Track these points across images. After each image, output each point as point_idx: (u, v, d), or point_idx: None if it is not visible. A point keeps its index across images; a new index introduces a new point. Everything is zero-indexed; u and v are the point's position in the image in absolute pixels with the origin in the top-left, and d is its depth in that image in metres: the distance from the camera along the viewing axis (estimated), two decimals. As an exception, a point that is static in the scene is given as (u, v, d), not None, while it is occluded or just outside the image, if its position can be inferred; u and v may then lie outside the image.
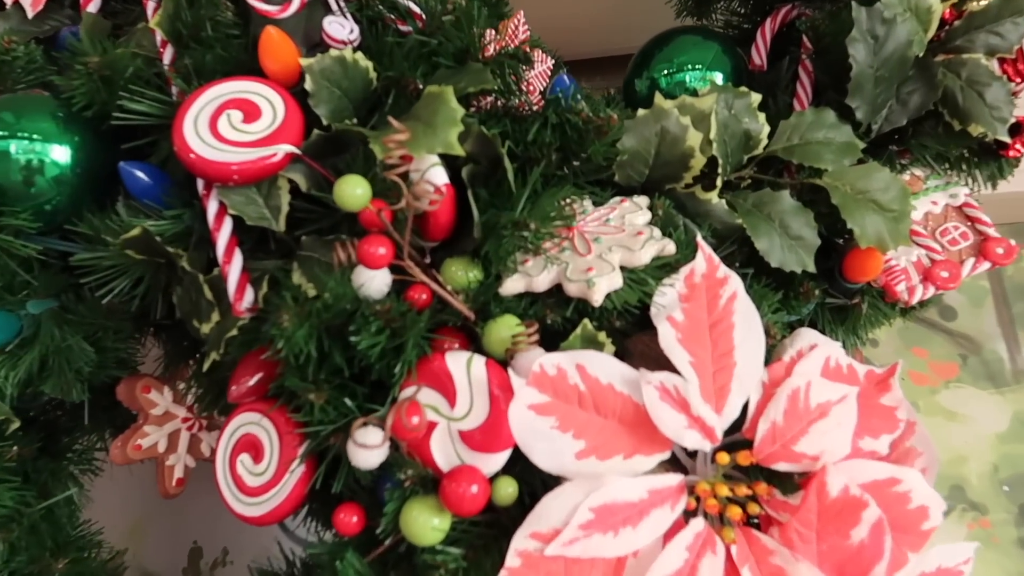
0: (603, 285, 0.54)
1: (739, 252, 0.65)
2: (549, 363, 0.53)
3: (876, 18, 0.64)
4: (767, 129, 0.65)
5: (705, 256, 0.58)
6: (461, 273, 0.56)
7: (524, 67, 0.64)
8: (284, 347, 0.51)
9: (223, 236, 0.59)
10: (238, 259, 0.59)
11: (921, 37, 0.68)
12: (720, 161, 0.61)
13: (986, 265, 0.72)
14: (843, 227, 0.66)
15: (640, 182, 0.64)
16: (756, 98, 0.64)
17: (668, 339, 0.55)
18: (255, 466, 0.59)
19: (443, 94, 0.55)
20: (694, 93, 0.71)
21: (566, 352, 0.53)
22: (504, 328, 0.55)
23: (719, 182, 0.62)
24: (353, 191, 0.50)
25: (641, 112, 0.60)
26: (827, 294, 0.71)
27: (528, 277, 0.57)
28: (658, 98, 0.60)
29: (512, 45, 0.71)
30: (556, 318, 0.57)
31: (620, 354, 0.60)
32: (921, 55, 0.68)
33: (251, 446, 0.60)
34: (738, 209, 0.64)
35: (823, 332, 0.72)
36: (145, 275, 0.64)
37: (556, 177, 0.63)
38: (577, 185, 0.63)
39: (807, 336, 0.62)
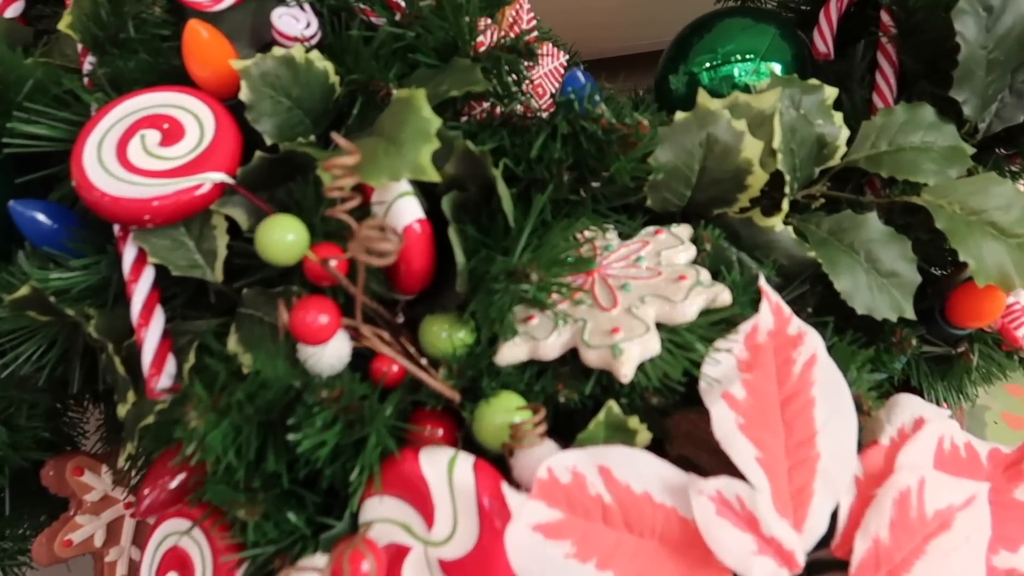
0: (634, 353, 0.40)
1: (811, 294, 0.50)
2: (561, 466, 0.38)
3: (989, -18, 0.49)
4: (846, 133, 0.50)
5: (772, 307, 0.43)
6: (444, 336, 0.42)
7: (527, 64, 0.50)
8: (196, 452, 0.37)
9: (140, 292, 0.46)
10: (158, 321, 0.46)
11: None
12: (787, 177, 0.46)
13: None
14: (945, 256, 0.51)
15: (680, 206, 0.49)
16: (831, 93, 0.49)
17: (726, 426, 0.40)
18: (185, 589, 0.46)
19: (412, 100, 0.41)
20: (746, 90, 0.56)
21: (585, 449, 0.39)
22: (501, 412, 0.41)
23: (785, 204, 0.47)
24: (280, 238, 0.36)
25: (680, 116, 0.45)
26: (923, 341, 0.55)
27: (533, 341, 0.42)
28: (702, 96, 0.45)
29: (512, 36, 0.56)
30: (572, 396, 0.42)
31: (659, 440, 0.45)
32: (1043, 31, 0.53)
33: (180, 563, 0.46)
34: (810, 238, 0.49)
35: (918, 391, 0.56)
36: (59, 338, 0.51)
37: (569, 203, 0.48)
38: (598, 212, 0.49)
39: (908, 406, 0.47)
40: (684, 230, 0.48)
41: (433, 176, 0.39)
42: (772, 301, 0.43)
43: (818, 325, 0.49)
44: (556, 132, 0.46)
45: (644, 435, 0.42)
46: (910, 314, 0.48)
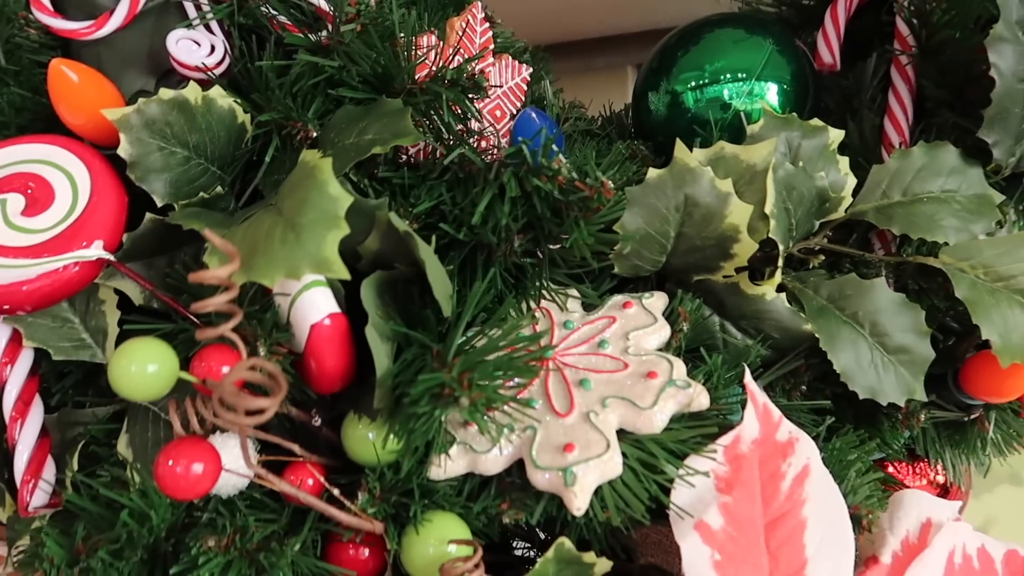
0: (589, 480, 0.33)
1: (808, 366, 0.43)
2: (500, 626, 0.32)
3: (1033, 1, 0.40)
4: (852, 182, 0.42)
5: (758, 411, 0.36)
6: (370, 439, 0.35)
7: (473, 97, 0.42)
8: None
9: (15, 379, 0.39)
10: (35, 418, 0.39)
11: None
12: (780, 247, 0.38)
13: None
14: (965, 323, 0.44)
15: (654, 272, 0.42)
16: (836, 136, 0.41)
17: (698, 568, 0.33)
18: None
19: (316, 173, 0.33)
20: (735, 120, 0.48)
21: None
22: (432, 543, 0.34)
23: (778, 276, 0.40)
24: (138, 371, 0.28)
25: (653, 174, 0.37)
26: (933, 405, 0.48)
27: (472, 453, 0.35)
28: (680, 150, 0.37)
29: (463, 54, 0.48)
30: (519, 517, 0.36)
31: (626, 552, 0.39)
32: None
33: None
34: (806, 306, 0.42)
35: (925, 453, 0.50)
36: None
37: (518, 270, 0.41)
38: (555, 281, 0.41)
39: (914, 507, 0.40)
40: (658, 301, 0.40)
41: (340, 272, 0.32)
42: (759, 403, 0.36)
43: (817, 412, 0.42)
44: (503, 192, 0.38)
45: (603, 565, 0.35)
46: (921, 396, 0.41)
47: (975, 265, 0.41)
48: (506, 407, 0.34)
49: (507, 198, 0.38)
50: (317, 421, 0.37)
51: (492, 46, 0.50)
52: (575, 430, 0.35)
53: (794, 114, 0.41)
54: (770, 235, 0.38)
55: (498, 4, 0.57)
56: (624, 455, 0.35)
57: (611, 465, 0.34)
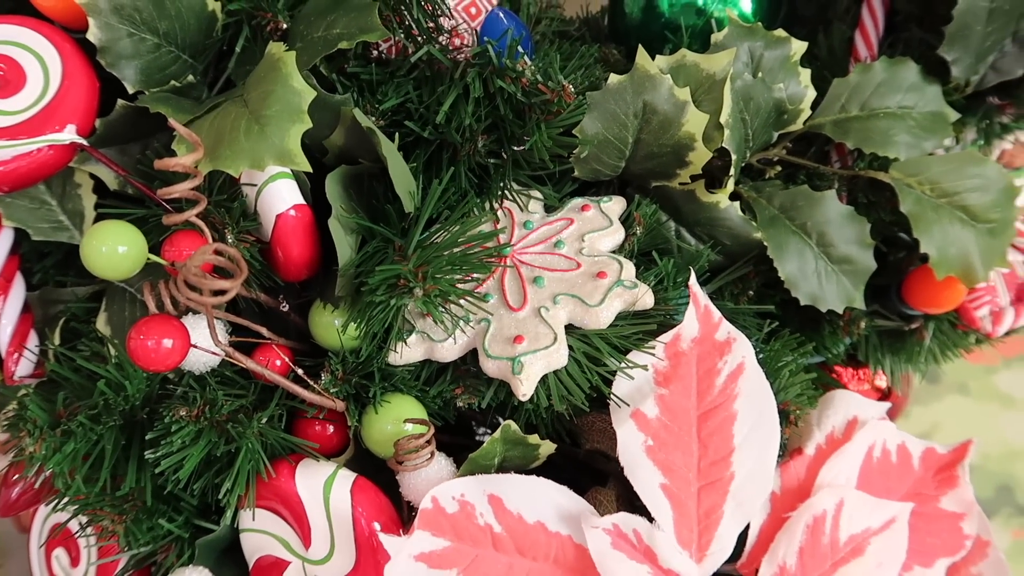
0: (534, 369, 0.36)
1: (757, 272, 0.45)
2: (448, 495, 0.35)
3: (1003, -84, 0.40)
4: (811, 95, 0.43)
5: (699, 312, 0.39)
6: (336, 325, 0.38)
7: (442, -7, 0.42)
8: (42, 475, 0.34)
9: (-5, 259, 0.41)
10: (17, 293, 0.41)
11: (1067, -60, 0.44)
12: (734, 156, 0.40)
13: (1108, 280, 0.51)
14: (910, 237, 0.46)
15: (614, 176, 0.43)
16: (798, 48, 0.42)
17: (632, 450, 0.37)
18: (72, 569, 0.44)
19: (281, 66, 0.34)
20: (707, 27, 0.48)
21: (475, 477, 0.36)
22: (390, 422, 0.37)
23: (729, 185, 0.41)
24: (109, 251, 0.30)
25: (614, 80, 0.38)
26: (876, 314, 0.51)
27: (429, 342, 0.38)
28: (641, 56, 0.38)
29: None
30: (472, 401, 0.39)
31: (571, 437, 0.42)
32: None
33: (67, 539, 0.44)
34: (758, 215, 0.43)
35: (866, 360, 0.53)
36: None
37: (482, 170, 0.42)
38: (520, 183, 0.43)
39: (842, 406, 0.44)
40: (616, 206, 0.42)
41: (302, 164, 0.33)
42: (700, 304, 0.38)
43: (760, 313, 0.45)
44: (468, 92, 0.39)
45: (547, 447, 0.38)
46: (860, 304, 0.44)
47: (922, 181, 0.42)
48: (461, 300, 0.36)
49: (471, 98, 0.39)
50: (285, 307, 0.39)
51: (468, -60, 0.50)
52: (526, 323, 0.37)
53: (759, 24, 0.41)
54: (724, 144, 0.39)
55: None
56: (571, 348, 0.37)
57: (557, 356, 0.36)
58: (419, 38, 0.43)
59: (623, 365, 0.37)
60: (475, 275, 0.38)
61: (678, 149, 0.40)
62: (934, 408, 0.86)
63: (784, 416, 0.40)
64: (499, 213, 0.43)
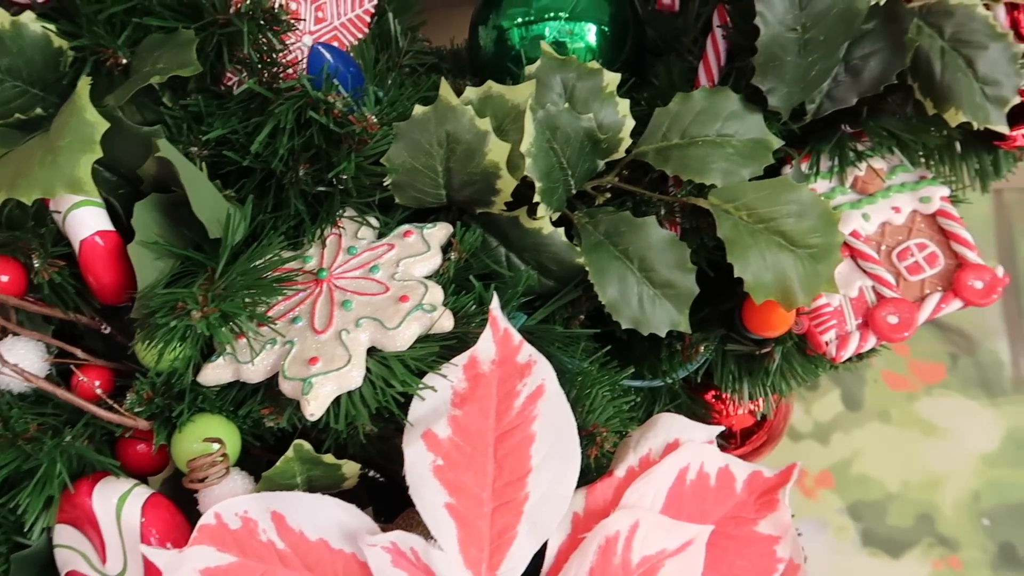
0: (324, 390, 0.37)
1: (588, 297, 0.46)
2: (231, 511, 0.36)
3: (802, -48, 0.41)
4: (630, 124, 0.44)
5: (496, 334, 0.40)
6: (155, 349, 0.39)
7: (275, 29, 0.43)
8: None
9: None
10: None
11: (884, -25, 0.45)
12: (538, 184, 0.41)
13: (955, 304, 0.51)
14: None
15: (442, 204, 0.44)
16: (611, 79, 0.43)
17: (418, 470, 0.38)
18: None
19: (75, 98, 0.36)
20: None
21: (260, 494, 0.37)
22: (193, 440, 0.38)
23: (542, 211, 0.42)
24: None
25: (418, 110, 0.40)
26: (728, 339, 0.52)
27: (236, 364, 0.39)
28: (444, 88, 0.39)
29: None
30: (279, 422, 0.40)
31: (385, 457, 0.43)
32: (883, 2, 0.46)
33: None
34: (584, 240, 0.45)
35: (721, 384, 0.53)
36: None
37: (317, 198, 0.43)
38: (359, 209, 0.44)
39: (664, 428, 0.44)
40: (439, 232, 0.43)
41: (91, 192, 0.35)
42: (499, 328, 0.39)
43: (580, 337, 0.46)
44: (285, 122, 0.41)
45: (350, 467, 0.40)
46: (685, 328, 0.45)
47: (739, 207, 0.43)
48: (255, 322, 0.37)
49: (286, 129, 0.41)
50: (106, 329, 0.41)
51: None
52: (326, 346, 0.39)
53: (573, 56, 0.43)
54: (527, 173, 0.40)
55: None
56: (369, 371, 0.38)
57: (348, 378, 0.37)
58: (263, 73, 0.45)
59: (419, 386, 0.38)
60: (268, 298, 0.39)
61: (487, 177, 0.41)
62: (855, 435, 0.85)
63: (591, 438, 0.41)
64: (331, 239, 0.44)
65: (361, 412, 0.37)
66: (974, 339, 0.86)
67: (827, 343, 0.50)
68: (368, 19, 0.54)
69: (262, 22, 0.43)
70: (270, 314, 0.40)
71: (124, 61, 0.44)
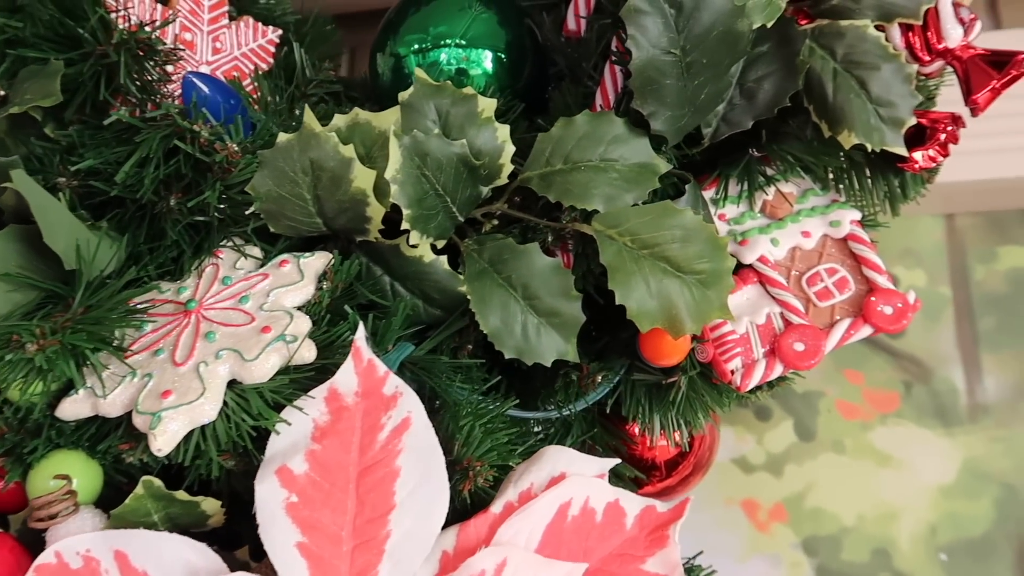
0: (175, 425, 0.36)
1: (474, 328, 0.45)
2: (71, 550, 0.35)
3: (674, -25, 0.41)
4: (509, 150, 0.43)
5: (359, 366, 0.38)
6: (32, 384, 0.38)
7: (154, 62, 0.43)
8: None
9: None
10: None
11: (768, -3, 0.45)
12: (406, 211, 0.40)
13: (865, 331, 0.50)
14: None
15: (320, 232, 0.44)
16: (486, 104, 0.43)
17: (269, 507, 0.36)
18: None
19: (-83, 129, 0.35)
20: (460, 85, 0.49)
21: (102, 533, 0.35)
22: (47, 477, 0.37)
23: (415, 238, 0.41)
24: None
25: (282, 138, 0.39)
26: (634, 368, 0.50)
27: (94, 398, 0.38)
28: (308, 116, 0.39)
29: (182, 17, 0.49)
30: (141, 457, 0.38)
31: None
32: (770, 24, 0.45)
33: None
34: (469, 268, 0.43)
35: (629, 415, 0.52)
36: None
37: (195, 228, 0.43)
38: (238, 239, 0.44)
39: (549, 462, 0.43)
40: (316, 261, 0.42)
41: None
42: (363, 359, 0.38)
43: (471, 367, 0.45)
44: (156, 150, 0.40)
45: (210, 504, 0.38)
46: (573, 357, 0.43)
47: (623, 232, 0.42)
48: (103, 355, 0.36)
49: (153, 158, 0.40)
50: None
51: (225, 8, 0.52)
52: (183, 378, 0.38)
53: (448, 82, 0.42)
54: (393, 199, 0.39)
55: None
56: (227, 403, 0.37)
57: (200, 411, 0.36)
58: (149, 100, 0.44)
59: (274, 420, 0.37)
60: (125, 330, 0.38)
61: (356, 205, 0.40)
62: (808, 467, 0.83)
63: (464, 473, 0.40)
64: (207, 270, 0.44)
65: (211, 448, 0.36)
66: (928, 367, 0.84)
67: (732, 372, 0.49)
68: (272, 49, 0.54)
69: (139, 53, 0.43)
70: (135, 347, 0.40)
71: (2, 92, 0.44)
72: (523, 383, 0.50)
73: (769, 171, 0.52)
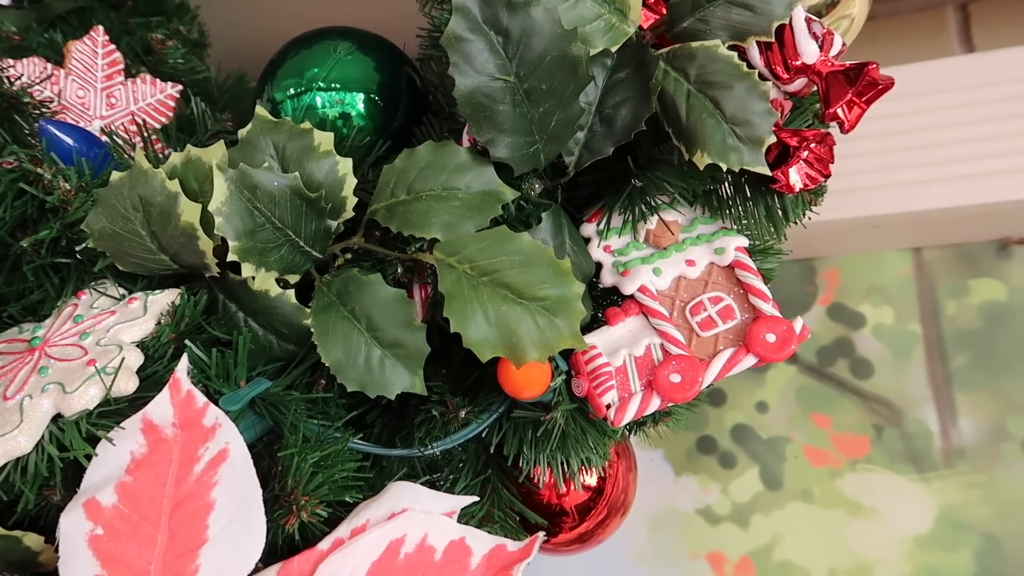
0: (-15, 455, 0.36)
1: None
2: None
3: (499, 2, 0.41)
4: (351, 182, 0.44)
5: (176, 397, 0.38)
6: None
7: (18, 111, 0.46)
8: None
9: None
10: None
11: (613, 22, 0.45)
12: (233, 243, 0.41)
13: (749, 361, 0.47)
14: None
15: (166, 270, 0.44)
16: (323, 138, 0.43)
17: (71, 540, 0.36)
18: None
19: None
20: (329, 129, 0.50)
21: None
22: None
23: (248, 271, 0.42)
24: None
25: (114, 176, 0.40)
26: (515, 405, 0.49)
27: (-74, 433, 0.39)
28: (138, 155, 0.40)
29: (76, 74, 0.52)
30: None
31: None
32: (615, 48, 0.45)
33: None
34: (317, 302, 0.43)
35: (509, 454, 0.50)
36: None
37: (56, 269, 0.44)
38: (102, 277, 0.45)
39: (391, 497, 0.41)
40: (164, 297, 0.43)
41: None
42: (182, 389, 0.38)
43: (325, 400, 0.44)
44: (4, 195, 0.42)
45: (32, 539, 0.38)
46: (421, 389, 0.42)
47: (462, 259, 0.42)
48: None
49: (2, 202, 0.42)
50: None
51: (120, 67, 0.55)
52: (7, 412, 0.38)
53: (287, 118, 0.43)
54: (218, 232, 0.40)
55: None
56: (44, 437, 0.37)
57: (14, 444, 0.37)
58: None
59: (84, 453, 0.37)
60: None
61: (188, 239, 0.41)
62: (775, 517, 0.78)
63: (288, 508, 0.39)
64: (66, 310, 0.45)
65: (28, 480, 0.36)
66: (899, 408, 0.79)
67: (608, 406, 0.47)
68: (172, 103, 0.57)
69: (7, 105, 0.45)
70: (-23, 382, 0.40)
71: None
72: (398, 419, 0.49)
73: (653, 201, 0.51)
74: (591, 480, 0.57)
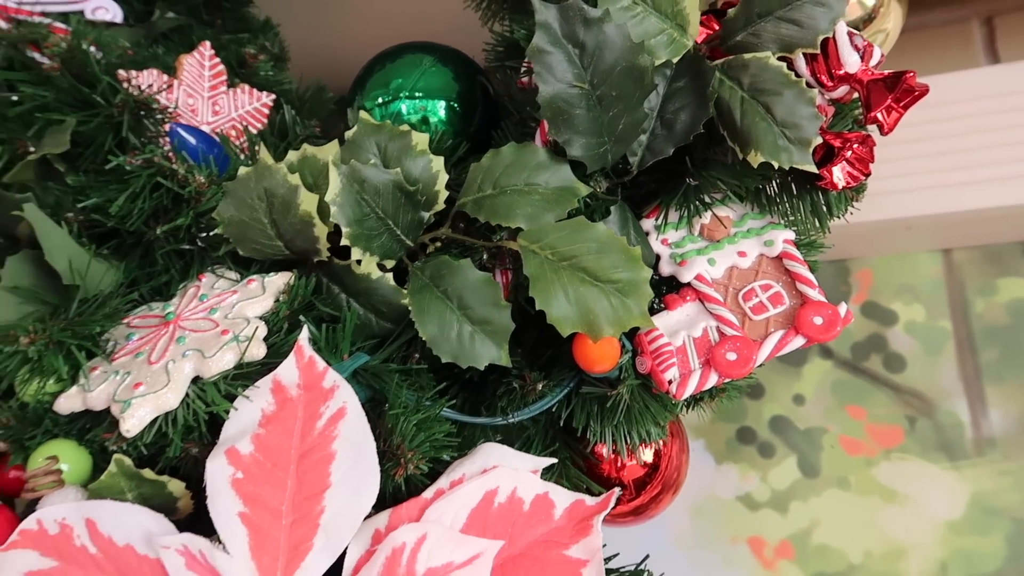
0: (142, 411, 0.42)
1: (421, 341, 0.50)
2: (51, 518, 0.41)
3: (576, 19, 0.46)
4: (443, 177, 0.49)
5: (301, 361, 0.44)
6: (34, 382, 0.45)
7: (152, 120, 0.52)
8: None
9: None
10: None
11: (674, 36, 0.50)
12: (345, 229, 0.46)
13: (798, 341, 0.52)
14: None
15: (285, 255, 0.50)
16: (419, 139, 0.49)
17: (216, 482, 0.41)
18: None
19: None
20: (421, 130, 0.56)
21: (77, 503, 0.41)
22: (40, 461, 0.44)
23: (355, 254, 0.47)
24: None
25: (242, 171, 0.46)
26: (583, 382, 0.54)
27: (84, 393, 0.45)
28: (263, 152, 0.46)
29: (186, 85, 0.59)
30: (120, 444, 0.45)
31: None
32: (676, 58, 0.50)
33: None
34: (413, 284, 0.49)
35: (579, 428, 0.55)
36: None
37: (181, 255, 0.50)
38: (219, 262, 0.51)
39: (482, 456, 0.47)
40: (279, 279, 0.49)
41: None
42: (305, 355, 0.44)
43: (420, 372, 0.49)
44: (144, 186, 0.48)
45: (175, 485, 0.44)
46: (505, 361, 0.48)
47: (544, 246, 0.47)
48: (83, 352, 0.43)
49: (140, 193, 0.48)
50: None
51: (223, 77, 0.61)
52: (154, 374, 0.44)
53: (388, 122, 0.49)
54: (333, 220, 0.46)
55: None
56: (189, 395, 0.43)
57: (164, 400, 0.42)
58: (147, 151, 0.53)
59: (224, 408, 0.43)
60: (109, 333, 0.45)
61: (305, 227, 0.47)
62: (812, 503, 0.83)
63: (396, 460, 0.44)
64: (190, 290, 0.51)
65: (171, 431, 0.41)
66: (931, 400, 0.83)
67: (669, 381, 0.52)
68: (266, 111, 0.63)
69: (141, 112, 0.52)
70: (122, 351, 0.46)
71: (32, 149, 0.53)
72: (477, 393, 0.54)
73: (707, 198, 0.56)
74: (647, 456, 0.62)
